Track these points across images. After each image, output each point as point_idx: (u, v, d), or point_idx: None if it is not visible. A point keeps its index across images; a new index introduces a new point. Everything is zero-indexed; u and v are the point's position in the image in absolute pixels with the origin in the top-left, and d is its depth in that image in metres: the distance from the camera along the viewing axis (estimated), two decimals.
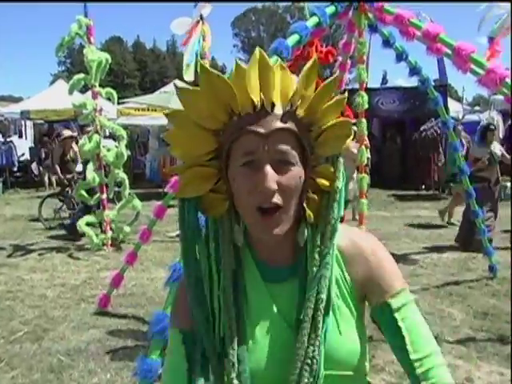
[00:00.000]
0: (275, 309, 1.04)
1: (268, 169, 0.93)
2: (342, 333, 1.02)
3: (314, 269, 1.01)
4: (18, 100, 29.07)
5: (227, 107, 0.96)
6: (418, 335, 1.02)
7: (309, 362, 0.97)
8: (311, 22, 3.42)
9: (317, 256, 1.01)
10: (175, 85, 1.01)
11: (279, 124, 0.95)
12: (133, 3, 72.19)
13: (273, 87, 0.96)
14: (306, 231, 1.04)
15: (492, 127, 7.90)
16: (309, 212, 1.03)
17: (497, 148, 7.65)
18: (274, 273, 1.07)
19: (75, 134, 11.29)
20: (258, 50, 0.97)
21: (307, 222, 1.04)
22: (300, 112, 0.98)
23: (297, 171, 0.97)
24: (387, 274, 1.06)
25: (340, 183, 1.03)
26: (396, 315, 1.02)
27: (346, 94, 1.04)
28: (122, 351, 4.34)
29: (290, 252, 1.07)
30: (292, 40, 3.25)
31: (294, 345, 0.99)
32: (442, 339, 4.32)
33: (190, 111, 0.97)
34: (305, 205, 1.02)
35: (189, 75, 6.81)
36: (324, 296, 0.99)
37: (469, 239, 7.27)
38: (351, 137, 1.04)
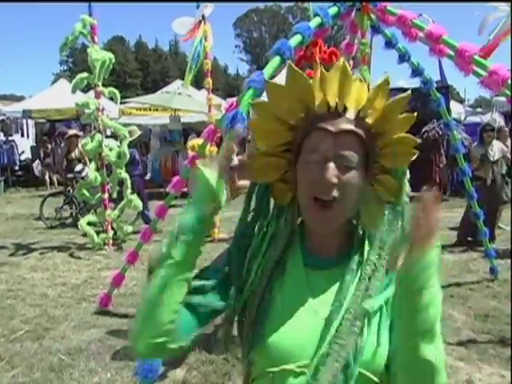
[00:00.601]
0: (309, 293, 1.10)
1: (331, 164, 1.02)
2: (381, 342, 1.04)
3: (368, 268, 1.08)
4: (19, 99, 29.04)
5: (305, 105, 1.07)
6: None
7: (341, 359, 1.01)
8: (314, 22, 3.42)
9: (372, 257, 1.10)
10: (267, 82, 1.13)
11: (348, 126, 1.05)
12: (135, 3, 72.16)
13: (348, 93, 1.07)
14: (359, 234, 1.15)
15: (488, 127, 7.96)
16: (365, 217, 1.13)
17: (495, 148, 7.66)
18: (316, 260, 1.14)
19: (80, 132, 11.31)
20: (342, 59, 1.11)
21: (362, 228, 1.15)
22: (369, 120, 1.07)
23: (357, 173, 1.05)
24: None
25: (406, 198, 1.13)
26: None
27: (416, 114, 1.10)
28: (123, 351, 4.34)
29: (337, 246, 1.15)
30: (295, 40, 3.25)
31: (321, 331, 1.04)
32: (442, 341, 4.32)
33: (273, 104, 1.10)
34: (361, 209, 1.12)
35: (187, 83, 6.88)
36: (372, 296, 1.06)
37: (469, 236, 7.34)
38: (415, 156, 1.10)
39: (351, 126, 1.05)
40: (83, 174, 8.97)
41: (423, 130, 12.90)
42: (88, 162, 9.29)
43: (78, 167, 9.52)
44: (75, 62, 52.69)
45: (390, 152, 1.09)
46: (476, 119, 14.25)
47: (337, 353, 1.00)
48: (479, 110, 18.08)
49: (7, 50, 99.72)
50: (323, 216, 1.06)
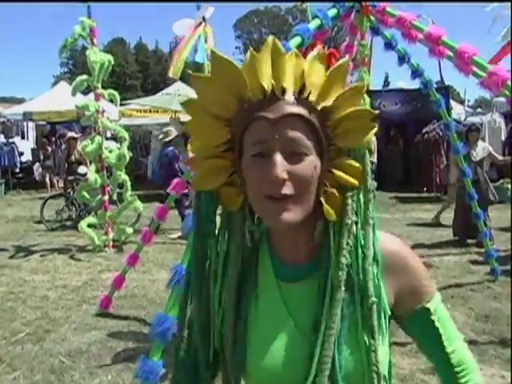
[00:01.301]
0: (285, 310, 1.00)
1: (278, 157, 0.89)
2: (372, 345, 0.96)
3: (340, 273, 0.95)
4: (20, 101, 29.12)
5: (238, 94, 0.94)
6: (450, 330, 1.08)
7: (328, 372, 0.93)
8: (313, 24, 3.43)
9: (343, 259, 0.95)
10: (188, 72, 1.01)
11: (290, 109, 0.91)
12: (135, 3, 72.22)
13: (284, 73, 0.93)
14: (321, 227, 0.99)
15: (473, 128, 7.95)
16: (327, 207, 0.97)
17: (479, 148, 7.67)
18: (287, 270, 1.03)
19: (78, 135, 11.31)
20: (271, 37, 0.95)
21: (327, 219, 0.98)
22: (312, 98, 0.94)
23: (310, 161, 0.92)
24: (423, 279, 1.05)
25: (371, 180, 0.99)
26: (433, 317, 1.04)
27: (364, 84, 0.99)
28: (124, 353, 4.34)
29: (306, 250, 1.02)
30: (294, 42, 3.26)
31: (306, 349, 0.95)
32: None
33: (202, 99, 0.96)
34: (322, 200, 0.97)
35: (175, 72, 6.84)
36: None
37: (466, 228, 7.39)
38: (375, 129, 0.96)
39: (293, 109, 0.91)
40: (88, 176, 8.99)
41: (424, 131, 12.95)
42: (88, 164, 9.30)
43: (83, 169, 9.51)
44: (75, 64, 52.76)
45: (343, 130, 0.95)
46: (476, 120, 14.25)
47: (325, 372, 0.93)
48: (479, 110, 18.07)
49: (7, 53, 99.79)
50: (279, 212, 0.91)
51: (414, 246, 8.00)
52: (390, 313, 1.01)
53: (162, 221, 4.75)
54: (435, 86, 5.32)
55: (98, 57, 7.16)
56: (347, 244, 0.96)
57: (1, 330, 4.85)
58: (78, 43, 7.72)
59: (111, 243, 7.98)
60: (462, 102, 18.53)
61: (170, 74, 6.79)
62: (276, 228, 1.02)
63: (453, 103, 14.94)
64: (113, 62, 7.60)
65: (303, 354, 0.95)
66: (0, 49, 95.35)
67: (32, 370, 4.06)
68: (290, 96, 0.92)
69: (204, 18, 6.77)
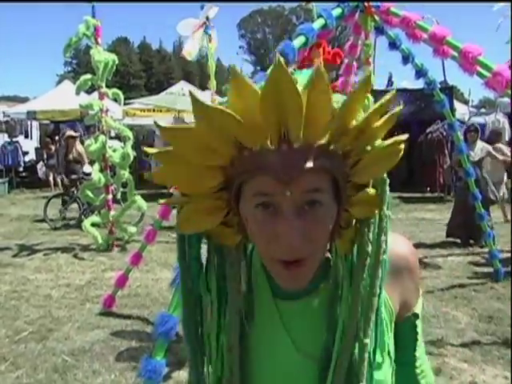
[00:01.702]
0: (283, 330, 0.91)
1: (290, 222, 0.73)
2: (382, 366, 0.91)
3: (357, 301, 0.85)
4: (24, 100, 29.18)
5: (235, 142, 0.74)
6: (421, 334, 1.04)
7: None
8: (317, 23, 3.42)
9: (359, 281, 0.85)
10: (155, 123, 0.77)
11: (307, 164, 0.72)
12: (139, 3, 72.27)
13: (298, 114, 0.71)
14: (341, 267, 0.88)
15: (472, 128, 7.91)
16: (341, 247, 0.87)
17: (477, 148, 7.62)
18: (288, 292, 0.89)
19: (77, 133, 11.30)
20: (279, 64, 0.68)
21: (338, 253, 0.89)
22: (339, 145, 0.75)
23: (328, 212, 0.77)
24: (418, 284, 1.01)
25: (387, 210, 0.85)
26: (418, 322, 1.01)
27: (398, 111, 0.78)
28: (127, 352, 4.35)
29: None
30: (298, 42, 3.25)
31: (311, 373, 0.88)
32: (446, 342, 4.32)
33: (184, 151, 0.75)
34: (337, 242, 0.86)
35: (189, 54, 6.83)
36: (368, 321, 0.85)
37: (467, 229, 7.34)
38: (401, 153, 0.80)
39: (311, 163, 0.73)
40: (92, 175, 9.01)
41: (427, 131, 12.91)
42: (86, 163, 9.31)
43: (88, 168, 9.52)
44: (79, 63, 52.94)
45: (364, 166, 0.78)
46: (480, 120, 14.21)
47: None
48: (483, 110, 18.03)
49: (11, 52, 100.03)
50: (291, 277, 0.79)
51: (418, 246, 7.99)
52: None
53: (165, 220, 4.76)
54: (439, 86, 5.31)
55: (102, 56, 7.17)
56: (362, 277, 0.85)
57: (4, 328, 4.86)
58: (82, 42, 7.73)
59: (115, 242, 7.99)
60: (465, 102, 18.49)
61: (185, 55, 6.75)
62: (284, 287, 0.86)
63: (456, 103, 14.91)
64: (117, 62, 7.61)
65: (309, 378, 0.88)
66: (3, 48, 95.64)
67: (35, 368, 4.06)
68: (306, 145, 0.73)
69: (208, 18, 6.77)
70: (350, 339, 0.85)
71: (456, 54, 3.70)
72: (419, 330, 1.02)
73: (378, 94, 0.81)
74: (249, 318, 0.91)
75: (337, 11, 3.61)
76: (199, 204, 0.81)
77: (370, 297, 0.85)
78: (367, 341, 0.85)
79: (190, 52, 6.82)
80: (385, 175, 0.83)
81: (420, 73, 4.77)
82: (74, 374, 3.98)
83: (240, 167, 0.75)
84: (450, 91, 11.42)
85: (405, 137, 0.80)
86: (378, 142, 0.79)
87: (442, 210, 11.31)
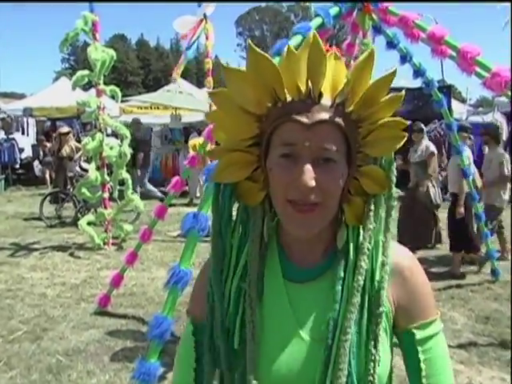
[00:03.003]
0: (290, 310, 0.96)
1: (308, 166, 0.87)
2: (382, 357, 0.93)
3: (360, 277, 0.92)
4: (21, 97, 29.03)
5: (272, 92, 0.90)
6: (437, 370, 0.99)
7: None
8: (315, 22, 3.39)
9: (363, 264, 0.93)
10: (221, 63, 0.97)
11: (325, 116, 0.88)
12: (136, 2, 72.08)
13: (323, 76, 0.89)
14: (345, 234, 0.97)
15: (416, 128, 7.41)
16: (349, 214, 0.97)
17: (419, 149, 7.17)
18: (297, 271, 1.00)
19: (68, 129, 11.23)
20: (312, 33, 0.89)
21: (347, 224, 0.98)
22: (350, 106, 0.91)
23: (339, 170, 0.90)
24: (421, 300, 1.00)
25: (394, 188, 0.98)
26: (418, 346, 0.99)
27: (404, 92, 0.93)
28: (121, 352, 4.32)
29: (320, 252, 1.00)
30: (295, 41, 3.22)
31: (316, 354, 0.92)
32: None
33: (235, 93, 0.92)
34: (345, 207, 0.96)
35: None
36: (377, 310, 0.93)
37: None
38: (405, 139, 0.95)
39: (328, 115, 0.88)
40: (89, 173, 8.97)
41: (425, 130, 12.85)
42: (78, 160, 9.25)
43: (86, 165, 9.46)
44: (77, 60, 52.78)
45: (374, 139, 0.93)
46: (478, 119, 14.20)
47: (342, 379, 0.89)
48: (481, 109, 18.02)
49: (8, 47, 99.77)
50: (302, 221, 0.90)
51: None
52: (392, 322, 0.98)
53: (161, 219, 4.74)
54: (437, 84, 5.28)
55: (99, 54, 7.09)
56: (367, 249, 0.94)
57: None
58: (80, 39, 7.68)
59: (111, 241, 7.95)
60: (463, 100, 18.48)
61: (174, 76, 6.79)
62: (295, 234, 0.96)
63: (454, 102, 14.89)
64: (115, 58, 7.53)
65: (314, 359, 0.92)
66: (1, 44, 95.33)
67: (29, 369, 4.03)
68: (326, 101, 0.90)
69: (205, 15, 6.74)
70: (351, 317, 0.90)
71: (454, 53, 3.67)
72: (423, 357, 0.98)
73: None
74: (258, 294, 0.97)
75: (334, 10, 3.57)
76: (235, 157, 0.96)
77: (374, 269, 0.95)
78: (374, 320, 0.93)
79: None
80: (392, 158, 0.97)
81: (418, 72, 4.74)
82: (68, 374, 3.95)
83: (273, 116, 0.91)
84: (448, 90, 11.42)
85: (407, 122, 0.94)
86: (385, 120, 0.93)
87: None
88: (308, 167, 0.87)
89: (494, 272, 6.04)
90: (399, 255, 1.00)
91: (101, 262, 7.12)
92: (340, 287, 0.93)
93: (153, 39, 78.12)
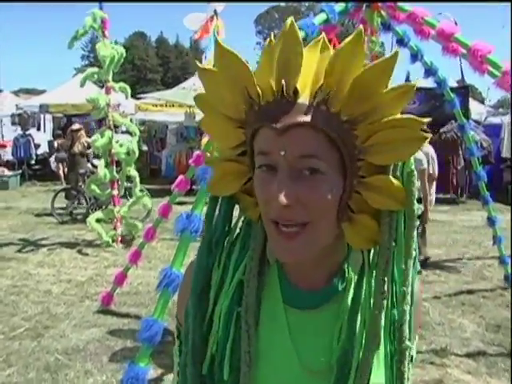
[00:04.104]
0: (289, 340, 0.84)
1: (282, 179, 0.73)
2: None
3: (378, 315, 0.79)
4: (41, 93, 29.32)
5: (245, 94, 0.77)
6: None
7: None
8: (319, 18, 3.28)
9: (380, 295, 0.79)
10: (197, 64, 0.82)
11: (301, 118, 0.72)
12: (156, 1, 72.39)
13: (297, 69, 0.73)
14: (360, 258, 0.84)
15: None
16: (351, 236, 0.81)
17: None
18: (299, 295, 0.87)
19: (80, 126, 11.24)
20: (290, 20, 0.74)
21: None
22: (336, 104, 0.73)
23: (329, 183, 0.74)
24: (416, 328, 0.90)
25: (416, 204, 0.80)
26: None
27: (417, 82, 0.78)
28: (121, 352, 4.27)
29: (324, 275, 0.86)
30: None
31: None
32: (450, 352, 4.16)
33: (211, 96, 0.82)
34: (345, 226, 0.80)
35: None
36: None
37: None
38: (426, 140, 0.75)
39: (305, 117, 0.72)
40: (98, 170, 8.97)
41: (441, 131, 12.65)
42: (90, 157, 9.24)
43: (98, 162, 9.47)
44: (96, 57, 53.16)
45: (378, 143, 0.74)
46: (496, 120, 13.92)
47: None
48: (501, 110, 17.67)
49: (31, 45, 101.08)
50: (286, 247, 0.77)
51: (427, 249, 7.78)
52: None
53: (165, 218, 4.66)
54: (456, 84, 5.13)
55: (107, 51, 7.07)
56: (385, 278, 0.79)
57: (0, 324, 4.81)
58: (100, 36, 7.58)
59: (119, 238, 7.92)
60: (483, 101, 18.16)
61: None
62: (280, 259, 0.85)
63: (473, 103, 14.61)
64: (125, 55, 7.50)
65: None
66: (23, 41, 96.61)
67: (27, 367, 4.00)
68: (303, 100, 0.74)
69: (216, 12, 6.66)
70: (370, 354, 0.79)
71: (465, 51, 3.53)
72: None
73: None
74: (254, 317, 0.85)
75: (340, 6, 3.45)
76: (227, 167, 0.87)
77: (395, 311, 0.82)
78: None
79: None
80: (412, 167, 0.79)
81: (429, 71, 4.59)
82: (65, 373, 3.91)
83: (250, 121, 0.78)
84: (466, 90, 11.16)
85: (426, 120, 0.74)
86: (392, 118, 0.74)
87: (454, 212, 11.10)
88: (282, 181, 0.73)
89: (507, 278, 5.86)
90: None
91: (108, 260, 7.09)
92: (354, 320, 0.82)
93: (172, 37, 78.46)
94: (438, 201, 12.69)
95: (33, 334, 4.61)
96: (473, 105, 13.34)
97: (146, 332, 2.65)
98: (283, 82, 0.74)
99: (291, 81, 0.74)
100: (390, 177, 0.78)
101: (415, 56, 4.41)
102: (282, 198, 0.72)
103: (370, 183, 0.77)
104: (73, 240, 8.24)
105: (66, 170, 14.71)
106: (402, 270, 0.81)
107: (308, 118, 0.73)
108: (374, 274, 0.82)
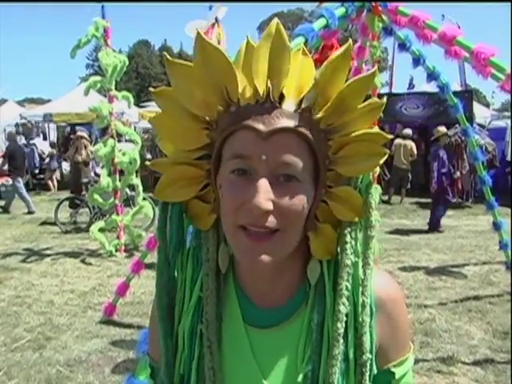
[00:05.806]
0: (254, 361, 0.82)
1: (263, 184, 0.71)
2: None
3: (339, 325, 0.78)
4: (45, 103, 29.47)
5: (224, 93, 0.75)
6: None
7: None
8: (318, 24, 3.25)
9: (342, 308, 0.78)
10: (165, 55, 0.77)
11: (286, 123, 0.72)
12: (160, 3, 72.76)
13: (285, 74, 0.73)
14: (318, 269, 0.82)
15: None
16: (316, 245, 0.81)
17: None
18: (259, 314, 0.85)
19: (83, 134, 11.24)
20: (275, 21, 0.73)
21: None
22: (318, 112, 0.75)
23: (304, 190, 0.75)
24: (401, 338, 0.86)
25: (375, 216, 0.81)
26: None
27: (385, 99, 0.79)
28: (123, 363, 4.22)
29: (285, 291, 0.84)
30: (297, 42, 3.09)
31: None
32: (457, 359, 4.08)
33: (179, 92, 0.77)
34: (311, 235, 0.80)
35: None
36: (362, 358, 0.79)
37: None
38: (385, 156, 0.78)
39: (291, 123, 0.72)
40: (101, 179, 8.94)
41: None
42: (95, 165, 9.21)
43: (100, 170, 9.46)
44: (101, 65, 53.36)
45: (347, 155, 0.77)
46: (501, 124, 13.83)
47: None
48: (506, 114, 17.56)
49: (36, 54, 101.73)
50: (255, 248, 0.74)
51: (433, 255, 7.73)
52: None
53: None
54: (459, 89, 5.08)
55: (110, 59, 7.06)
56: (346, 289, 0.79)
57: (3, 335, 4.78)
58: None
59: (123, 247, 7.88)
60: (487, 105, 18.08)
61: None
62: (248, 266, 0.82)
63: (478, 106, 14.54)
64: (127, 63, 7.49)
65: None
66: (28, 51, 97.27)
67: (28, 379, 3.95)
68: (289, 105, 0.74)
69: (217, 19, 6.62)
70: (335, 370, 0.77)
71: (468, 54, 3.48)
72: None
73: (396, 98, 0.69)
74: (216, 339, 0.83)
75: (340, 11, 3.41)
76: (181, 171, 0.82)
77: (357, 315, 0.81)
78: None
79: None
80: (370, 180, 0.81)
81: (432, 76, 4.55)
82: None
83: (225, 122, 0.75)
84: (470, 95, 11.10)
85: (388, 136, 0.79)
86: (361, 132, 0.77)
87: (460, 216, 11.01)
88: (264, 186, 0.71)
89: None
90: (380, 286, 0.84)
91: (111, 269, 7.04)
92: (317, 335, 0.80)
93: (176, 45, 78.69)
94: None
95: (35, 345, 4.57)
96: (477, 108, 13.28)
97: (145, 344, 2.59)
98: (270, 85, 0.73)
99: (278, 85, 0.73)
100: (351, 188, 0.80)
101: (417, 60, 4.37)
102: (266, 204, 0.71)
103: (336, 193, 0.79)
104: (76, 249, 8.21)
105: (54, 179, 14.65)
106: (362, 280, 0.80)
107: (294, 124, 0.73)
108: (334, 285, 0.81)
